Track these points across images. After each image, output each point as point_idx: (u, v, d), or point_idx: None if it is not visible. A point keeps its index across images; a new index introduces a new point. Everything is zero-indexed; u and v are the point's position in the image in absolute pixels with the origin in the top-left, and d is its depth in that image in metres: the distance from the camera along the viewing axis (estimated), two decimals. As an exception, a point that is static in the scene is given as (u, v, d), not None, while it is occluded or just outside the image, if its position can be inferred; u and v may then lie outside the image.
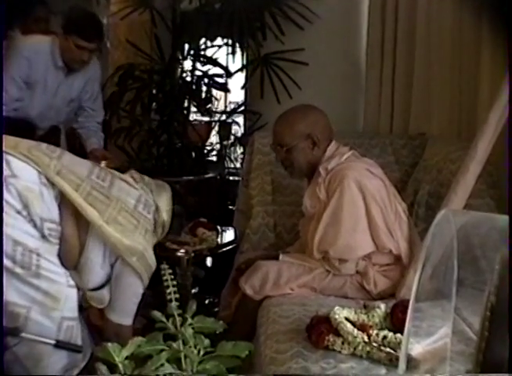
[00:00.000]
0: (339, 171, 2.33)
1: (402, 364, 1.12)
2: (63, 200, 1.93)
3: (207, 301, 3.40)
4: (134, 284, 2.02)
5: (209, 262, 3.91)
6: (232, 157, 4.67)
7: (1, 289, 1.67)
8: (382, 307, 1.93)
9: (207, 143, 4.61)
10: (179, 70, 4.05)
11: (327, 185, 2.34)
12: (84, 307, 2.05)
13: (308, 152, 2.41)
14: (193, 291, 3.14)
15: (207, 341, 1.06)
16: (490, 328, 0.94)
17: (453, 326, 1.16)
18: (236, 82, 4.33)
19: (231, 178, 4.46)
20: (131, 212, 2.01)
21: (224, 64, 4.15)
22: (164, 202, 2.15)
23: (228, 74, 4.09)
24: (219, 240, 3.09)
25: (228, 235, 3.29)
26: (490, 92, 2.64)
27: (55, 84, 3.10)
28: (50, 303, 1.81)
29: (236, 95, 4.95)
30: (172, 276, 1.14)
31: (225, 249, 3.06)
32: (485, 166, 2.22)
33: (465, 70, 2.97)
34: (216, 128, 4.56)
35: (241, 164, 4.40)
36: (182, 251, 2.82)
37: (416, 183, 2.90)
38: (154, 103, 4.10)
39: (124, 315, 2.06)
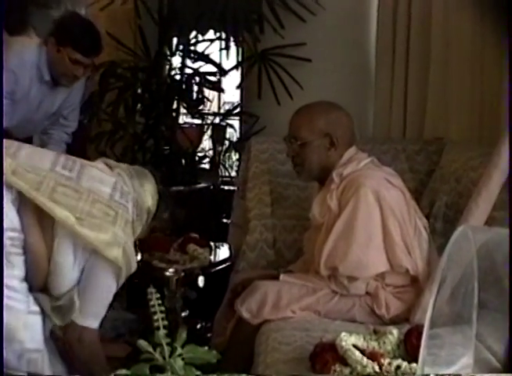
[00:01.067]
0: (355, 178, 2.35)
1: (419, 400, 1.13)
2: (22, 203, 1.92)
3: (198, 326, 3.40)
4: (106, 282, 2.01)
5: (201, 282, 3.91)
6: (227, 165, 4.66)
7: (0, 290, 1.67)
8: (395, 333, 1.92)
9: (199, 149, 4.60)
10: (167, 67, 4.07)
11: (340, 193, 2.35)
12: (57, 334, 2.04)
13: (323, 152, 2.43)
14: (183, 314, 3.14)
15: (198, 374, 1.07)
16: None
17: (475, 354, 1.17)
18: (231, 81, 4.34)
19: (225, 188, 4.45)
20: (107, 202, 2.00)
21: (217, 61, 4.16)
22: (148, 186, 2.16)
23: (222, 72, 4.10)
24: (212, 257, 3.10)
25: (223, 252, 3.30)
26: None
27: (37, 99, 3.06)
28: (6, 333, 1.74)
29: (231, 95, 4.95)
30: (160, 302, 1.14)
31: (218, 268, 3.07)
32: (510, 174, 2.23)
33: (487, 68, 2.99)
34: (208, 132, 4.54)
35: (237, 172, 4.41)
36: (171, 270, 2.83)
37: (433, 194, 2.91)
38: (139, 105, 4.10)
39: (91, 316, 2.02)
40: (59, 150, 3.14)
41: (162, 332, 1.09)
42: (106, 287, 2.02)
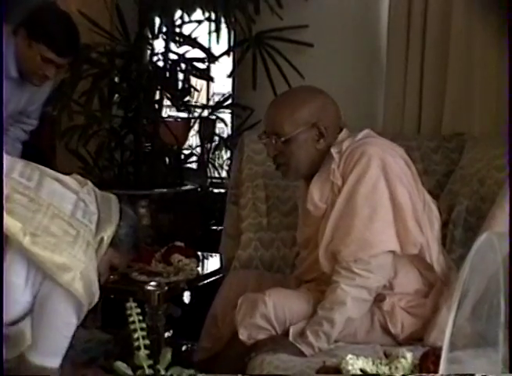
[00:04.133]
0: (356, 148, 2.35)
1: None
2: None
3: (184, 348, 3.40)
4: (65, 312, 1.99)
5: (187, 297, 3.91)
6: (217, 164, 4.68)
7: (0, 291, 1.67)
8: (408, 356, 1.92)
9: (185, 146, 4.61)
10: (148, 52, 4.06)
11: (342, 168, 2.34)
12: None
13: (311, 145, 2.42)
14: (167, 334, 3.15)
15: (184, 400, 1.07)
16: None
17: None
18: (222, 69, 4.35)
19: (215, 190, 4.47)
20: (69, 219, 2.01)
21: (206, 45, 4.17)
22: (110, 215, 2.15)
23: (212, 58, 4.11)
24: (200, 269, 3.11)
25: (212, 263, 3.31)
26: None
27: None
28: None
29: (221, 85, 4.96)
30: (141, 317, 1.14)
31: (207, 281, 3.07)
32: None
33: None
34: (196, 126, 4.56)
35: (227, 172, 4.43)
36: (153, 283, 2.84)
37: (452, 197, 2.91)
38: (116, 95, 4.10)
39: (50, 354, 2.01)
40: (14, 151, 3.11)
41: (143, 352, 1.09)
42: (64, 317, 2.01)
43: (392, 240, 2.28)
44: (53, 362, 2.01)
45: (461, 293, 1.11)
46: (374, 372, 1.87)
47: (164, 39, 4.01)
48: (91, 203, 2.11)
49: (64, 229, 1.98)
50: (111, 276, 2.50)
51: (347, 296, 2.24)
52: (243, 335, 2.33)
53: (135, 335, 1.13)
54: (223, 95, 4.73)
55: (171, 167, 4.26)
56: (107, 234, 2.14)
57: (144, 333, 1.14)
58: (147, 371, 1.07)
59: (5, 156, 2.12)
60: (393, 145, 2.44)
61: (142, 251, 2.94)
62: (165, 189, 3.90)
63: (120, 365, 1.10)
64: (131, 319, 1.14)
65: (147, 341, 1.13)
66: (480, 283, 1.12)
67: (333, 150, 2.38)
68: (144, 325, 1.15)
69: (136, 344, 1.13)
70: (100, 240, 2.13)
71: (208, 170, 4.61)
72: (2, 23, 2.73)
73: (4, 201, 1.91)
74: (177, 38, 4.02)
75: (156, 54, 4.06)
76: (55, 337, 2.01)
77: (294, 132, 2.40)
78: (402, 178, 2.32)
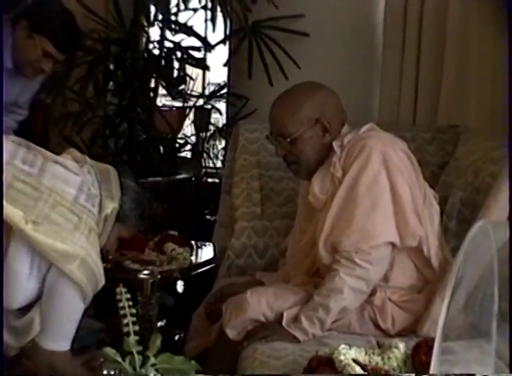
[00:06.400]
0: (357, 141, 2.35)
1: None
2: None
3: (176, 338, 3.39)
4: (72, 299, 2.00)
5: (180, 287, 3.90)
6: (211, 154, 4.67)
7: (1, 291, 1.67)
8: (401, 347, 1.92)
9: (179, 135, 4.60)
10: (144, 39, 4.04)
11: (343, 161, 2.35)
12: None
13: (317, 141, 2.42)
14: (160, 323, 3.13)
15: (174, 387, 1.06)
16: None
17: (495, 373, 1.16)
18: (217, 58, 4.33)
19: (209, 180, 4.46)
20: (71, 206, 2.00)
21: (201, 34, 4.15)
22: (110, 190, 2.15)
23: (207, 47, 4.09)
24: (193, 258, 3.09)
25: (206, 252, 3.30)
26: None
27: None
28: None
29: (217, 74, 4.95)
30: (131, 303, 1.13)
31: (200, 270, 3.06)
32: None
33: None
34: (191, 115, 4.55)
35: (222, 162, 4.41)
36: (146, 272, 2.82)
37: (446, 189, 2.91)
38: (111, 83, 4.09)
39: (60, 338, 2.04)
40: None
41: (133, 338, 1.08)
42: (72, 303, 2.02)
43: (392, 231, 2.28)
44: (63, 346, 2.04)
45: (455, 282, 1.10)
46: (367, 362, 1.87)
47: (159, 27, 3.99)
48: (93, 185, 2.10)
49: (66, 217, 1.98)
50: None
51: (345, 285, 2.23)
52: (231, 334, 2.33)
53: (125, 321, 1.12)
54: (218, 84, 4.71)
55: (166, 156, 4.25)
56: (110, 211, 2.14)
57: (134, 319, 1.13)
58: (136, 357, 1.06)
59: (7, 142, 2.11)
60: (395, 138, 2.44)
61: (135, 239, 2.94)
62: (159, 178, 3.89)
63: (109, 351, 1.09)
64: (120, 304, 1.13)
65: (137, 327, 1.12)
66: (474, 272, 1.10)
67: (335, 144, 2.38)
68: (134, 311, 1.14)
69: (126, 329, 1.12)
70: (104, 217, 2.13)
71: (203, 160, 4.61)
72: (2, 24, 2.72)
73: (5, 189, 1.90)
74: (173, 26, 4.00)
75: (152, 42, 4.05)
76: (63, 322, 2.03)
77: (299, 131, 2.40)
78: (403, 171, 2.32)
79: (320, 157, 2.43)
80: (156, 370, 1.07)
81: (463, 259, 1.11)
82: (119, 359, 1.07)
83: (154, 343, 1.09)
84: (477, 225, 1.07)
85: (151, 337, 1.11)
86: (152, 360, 1.07)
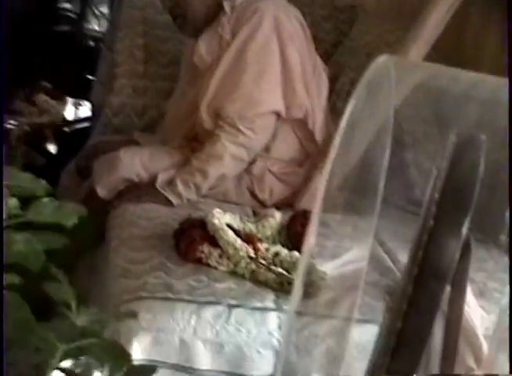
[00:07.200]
0: (250, 4, 2.27)
1: (297, 290, 1.04)
2: None
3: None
4: None
5: (53, 147, 3.76)
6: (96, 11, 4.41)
7: (1, 291, 1.51)
8: (277, 216, 1.93)
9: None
10: None
11: (233, 24, 2.27)
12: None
13: None
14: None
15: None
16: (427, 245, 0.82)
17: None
18: None
19: (95, 35, 4.21)
20: None
21: None
22: None
23: None
24: (67, 114, 2.96)
25: (82, 111, 3.16)
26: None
27: None
28: None
29: None
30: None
31: (75, 127, 2.93)
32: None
33: None
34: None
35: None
36: (13, 122, 2.67)
37: (338, 68, 2.88)
38: None
39: None
40: None
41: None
42: None
43: (279, 100, 2.26)
44: None
45: (347, 128, 0.91)
46: (241, 229, 1.87)
47: None
48: None
49: None
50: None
51: (226, 151, 2.22)
52: (102, 193, 2.27)
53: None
54: None
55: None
56: None
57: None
58: None
59: None
60: (289, 5, 2.38)
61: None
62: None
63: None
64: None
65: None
66: (370, 119, 0.95)
67: (226, 4, 2.29)
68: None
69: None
70: None
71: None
72: (2, 23, 2.52)
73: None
74: None
75: None
76: None
77: None
78: (295, 39, 2.29)
79: (209, 14, 2.33)
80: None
81: (350, 114, 0.93)
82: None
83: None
84: (378, 59, 0.85)
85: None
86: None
